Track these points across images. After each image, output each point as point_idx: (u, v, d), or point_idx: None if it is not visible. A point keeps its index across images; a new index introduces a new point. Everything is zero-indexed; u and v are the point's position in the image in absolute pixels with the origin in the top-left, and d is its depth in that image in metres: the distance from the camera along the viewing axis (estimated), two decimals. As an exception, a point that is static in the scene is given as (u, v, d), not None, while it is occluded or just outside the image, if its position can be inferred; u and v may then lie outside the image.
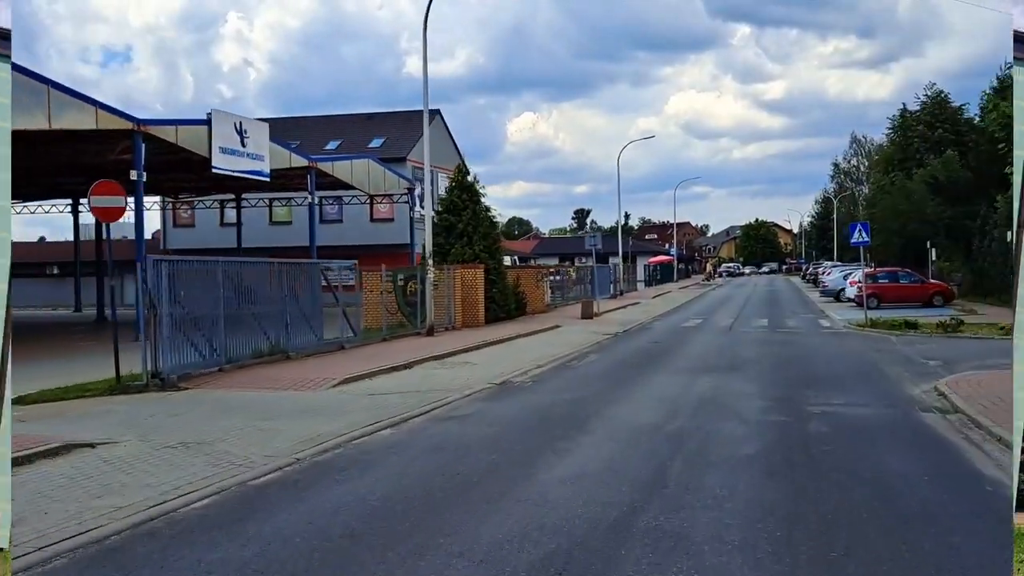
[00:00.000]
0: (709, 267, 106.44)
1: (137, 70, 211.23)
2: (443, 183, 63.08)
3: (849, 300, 42.45)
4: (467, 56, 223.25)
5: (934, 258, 52.80)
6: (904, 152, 70.19)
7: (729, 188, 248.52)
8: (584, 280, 51.13)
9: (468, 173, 33.95)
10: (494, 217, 35.28)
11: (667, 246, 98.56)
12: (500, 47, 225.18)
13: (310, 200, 38.15)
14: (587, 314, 35.39)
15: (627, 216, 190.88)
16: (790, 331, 28.07)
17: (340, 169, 41.05)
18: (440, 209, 33.88)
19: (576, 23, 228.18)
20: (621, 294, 56.87)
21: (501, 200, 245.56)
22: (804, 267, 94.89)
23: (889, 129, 72.81)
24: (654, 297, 55.78)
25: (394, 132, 60.51)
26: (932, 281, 40.87)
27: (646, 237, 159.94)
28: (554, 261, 73.94)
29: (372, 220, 56.22)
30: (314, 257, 36.92)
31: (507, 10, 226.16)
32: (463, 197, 33.30)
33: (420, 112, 64.66)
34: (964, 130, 67.73)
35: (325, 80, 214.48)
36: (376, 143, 59.30)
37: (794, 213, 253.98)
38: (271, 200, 50.54)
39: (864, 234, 28.92)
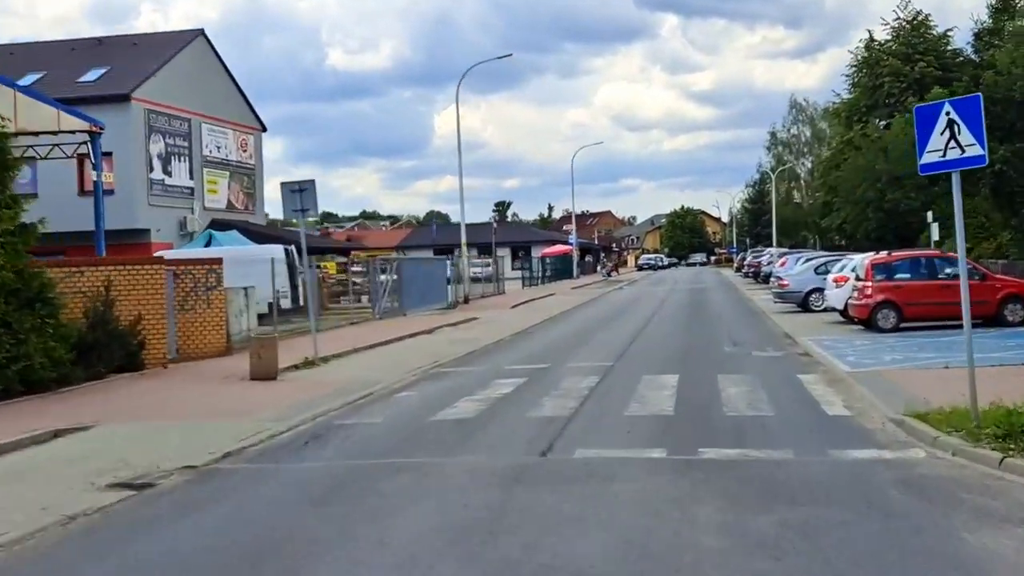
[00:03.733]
0: (609, 262, 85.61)
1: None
2: (209, 135, 42.19)
3: (833, 311, 23.30)
4: (392, 49, 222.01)
5: (936, 237, 33.82)
6: (872, 97, 51.31)
7: (659, 180, 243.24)
8: (398, 284, 30.76)
9: None
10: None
11: (567, 235, 78.60)
12: (425, 39, 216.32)
13: None
14: (263, 371, 14.95)
15: (551, 207, 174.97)
16: (757, 490, 7.87)
17: None
18: None
19: (502, 14, 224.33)
20: (466, 301, 36.57)
21: (431, 195, 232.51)
22: (739, 257, 75.78)
23: (851, 67, 53.80)
24: (517, 305, 35.68)
25: (126, 61, 39.02)
26: (998, 276, 21.49)
27: (564, 228, 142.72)
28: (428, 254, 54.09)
29: (83, 192, 34.83)
30: None
31: (431, 1, 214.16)
32: None
33: (171, 35, 43.54)
34: (952, 63, 49.31)
35: (246, 73, 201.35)
36: (91, 76, 38.07)
37: (723, 195, 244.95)
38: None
39: (964, 129, 9.09)
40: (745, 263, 58.88)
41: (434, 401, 12.56)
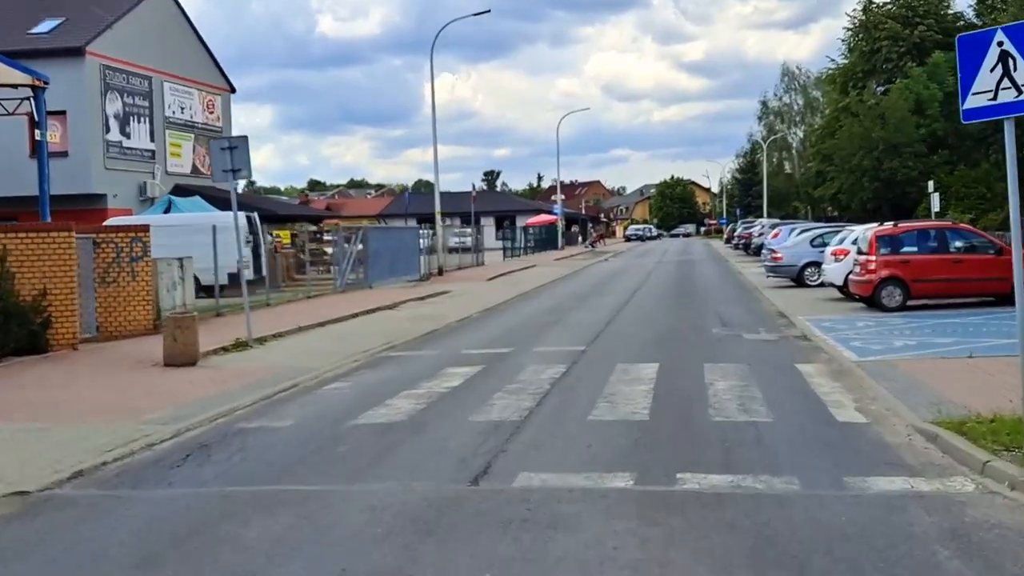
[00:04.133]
0: (594, 232, 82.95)
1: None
2: (172, 95, 39.67)
3: (831, 287, 21.39)
4: (382, 15, 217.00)
5: (937, 207, 31.94)
6: (869, 62, 49.20)
7: (650, 151, 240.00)
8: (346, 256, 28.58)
9: None
10: None
11: (552, 205, 76.25)
12: (415, 5, 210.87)
13: None
14: (180, 356, 12.90)
15: (540, 177, 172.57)
16: None
17: None
18: None
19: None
20: (440, 273, 34.51)
21: (420, 164, 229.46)
22: (729, 228, 73.70)
23: (848, 30, 51.60)
24: (494, 278, 33.66)
25: (82, 13, 36.35)
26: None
27: (552, 198, 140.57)
28: (411, 223, 51.71)
29: (35, 155, 32.05)
30: None
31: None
32: None
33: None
34: (953, 27, 47.15)
35: (234, 40, 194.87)
36: (44, 27, 35.39)
37: (714, 166, 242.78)
38: None
39: (1022, 65, 7.06)
40: (735, 234, 56.86)
41: (366, 396, 10.53)
